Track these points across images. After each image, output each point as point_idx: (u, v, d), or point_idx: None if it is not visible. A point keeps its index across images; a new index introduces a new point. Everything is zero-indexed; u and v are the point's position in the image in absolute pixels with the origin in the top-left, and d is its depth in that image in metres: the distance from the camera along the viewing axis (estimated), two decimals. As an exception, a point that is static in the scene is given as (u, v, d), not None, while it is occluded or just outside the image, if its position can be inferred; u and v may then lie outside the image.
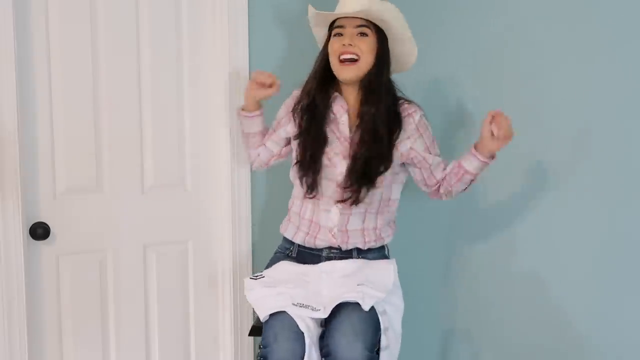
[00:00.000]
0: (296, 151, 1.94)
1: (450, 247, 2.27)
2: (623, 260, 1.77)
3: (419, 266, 2.34)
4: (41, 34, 1.94)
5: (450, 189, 1.93)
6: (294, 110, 1.94)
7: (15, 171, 1.87)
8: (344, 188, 1.86)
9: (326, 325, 1.74)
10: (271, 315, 1.73)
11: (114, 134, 2.08)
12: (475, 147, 1.83)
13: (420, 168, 1.94)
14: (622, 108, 1.75)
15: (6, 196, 1.87)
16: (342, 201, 1.86)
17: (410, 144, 1.90)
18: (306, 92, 1.92)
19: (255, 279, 1.84)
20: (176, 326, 2.26)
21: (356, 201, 1.86)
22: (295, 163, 1.93)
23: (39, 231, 1.95)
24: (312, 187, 1.88)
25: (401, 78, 1.99)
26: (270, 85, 1.96)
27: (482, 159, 1.82)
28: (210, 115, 2.24)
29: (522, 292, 2.03)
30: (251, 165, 2.15)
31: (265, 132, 2.07)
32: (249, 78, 2.24)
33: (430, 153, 1.92)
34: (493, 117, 1.74)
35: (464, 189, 1.93)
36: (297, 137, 1.93)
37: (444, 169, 1.94)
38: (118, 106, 2.08)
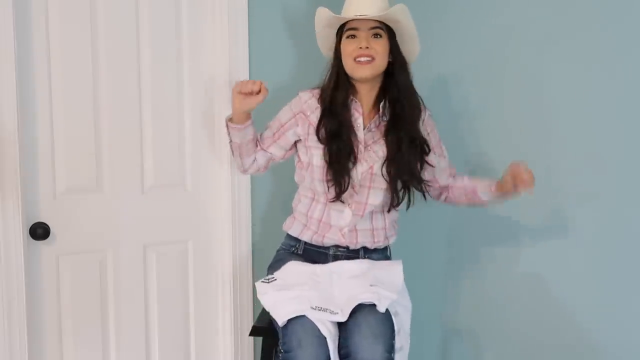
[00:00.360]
0: (324, 156, 1.89)
1: (452, 247, 2.27)
2: (625, 259, 1.77)
3: (421, 266, 2.34)
4: (41, 34, 1.94)
5: (453, 201, 2.00)
6: (322, 116, 1.89)
7: (15, 171, 1.87)
8: (399, 195, 1.89)
9: (341, 326, 1.74)
10: (290, 319, 1.71)
11: (114, 134, 2.08)
12: (497, 186, 1.87)
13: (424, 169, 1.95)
14: (624, 105, 1.75)
15: (6, 196, 1.87)
16: (395, 206, 1.91)
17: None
18: (328, 98, 1.89)
19: (268, 283, 1.82)
20: (176, 326, 2.25)
21: (424, 196, 1.93)
22: (328, 168, 1.88)
23: (39, 231, 1.95)
24: (341, 192, 1.87)
25: None
26: (258, 92, 1.87)
27: (500, 198, 1.89)
28: (210, 115, 2.24)
29: (524, 292, 2.04)
30: (243, 172, 2.08)
31: (256, 138, 2.01)
32: (248, 78, 2.24)
33: (434, 153, 1.94)
34: (515, 177, 1.78)
35: (467, 206, 1.98)
36: (323, 142, 1.89)
37: (451, 176, 1.98)
38: (118, 106, 2.08)
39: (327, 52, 1.98)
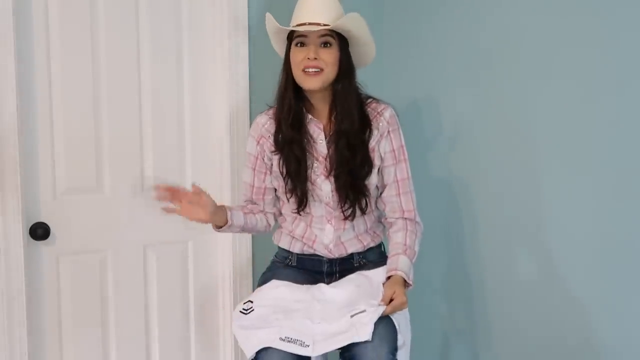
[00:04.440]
0: (280, 167, 1.87)
1: (450, 247, 2.27)
2: (624, 260, 1.77)
3: (419, 266, 2.34)
4: (41, 34, 1.94)
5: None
6: (277, 128, 1.86)
7: (15, 171, 1.87)
8: (343, 209, 1.85)
9: None
10: (259, 352, 1.69)
11: (114, 134, 2.08)
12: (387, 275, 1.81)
13: (380, 174, 1.90)
14: (616, 112, 1.75)
15: (6, 196, 1.87)
16: (346, 218, 1.86)
17: (384, 142, 1.88)
18: (278, 121, 1.85)
19: (246, 314, 1.76)
20: (176, 326, 2.26)
21: (363, 211, 1.87)
22: (285, 178, 1.87)
23: (39, 231, 1.95)
24: (302, 203, 1.87)
25: (388, 92, 2.02)
26: (198, 196, 1.76)
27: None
28: (211, 115, 2.24)
29: (522, 293, 2.04)
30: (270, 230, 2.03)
31: (250, 212, 1.93)
32: (248, 79, 2.24)
33: (395, 160, 1.88)
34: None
35: None
36: (279, 153, 1.87)
37: (392, 211, 1.90)
38: (118, 106, 2.08)
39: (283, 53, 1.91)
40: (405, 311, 1.81)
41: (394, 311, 1.72)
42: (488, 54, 2.07)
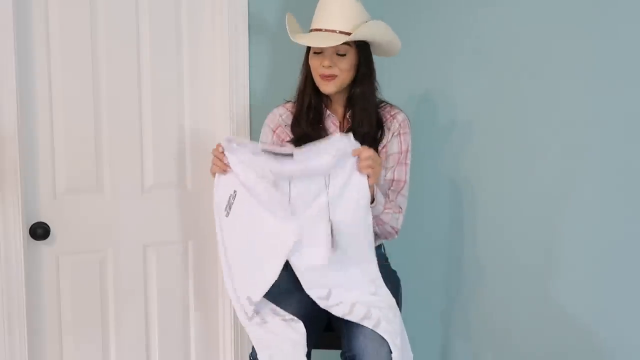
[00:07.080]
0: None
1: (450, 247, 2.27)
2: (625, 259, 1.77)
3: (419, 265, 2.34)
4: (41, 34, 1.94)
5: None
6: (295, 118, 1.90)
7: (15, 171, 1.87)
8: None
9: (343, 327, 1.74)
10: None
11: (114, 134, 2.08)
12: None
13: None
14: (616, 114, 1.75)
15: (6, 196, 1.87)
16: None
17: (394, 141, 1.89)
18: (297, 115, 1.89)
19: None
20: (176, 326, 2.25)
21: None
22: None
23: (39, 231, 1.95)
24: None
25: (392, 90, 2.02)
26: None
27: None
28: (211, 115, 2.24)
29: (522, 292, 2.04)
30: None
31: None
32: (249, 76, 2.24)
33: (396, 162, 1.89)
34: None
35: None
36: (295, 143, 1.87)
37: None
38: (118, 106, 2.08)
39: None
40: (393, 303, 1.78)
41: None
42: (495, 50, 2.06)
